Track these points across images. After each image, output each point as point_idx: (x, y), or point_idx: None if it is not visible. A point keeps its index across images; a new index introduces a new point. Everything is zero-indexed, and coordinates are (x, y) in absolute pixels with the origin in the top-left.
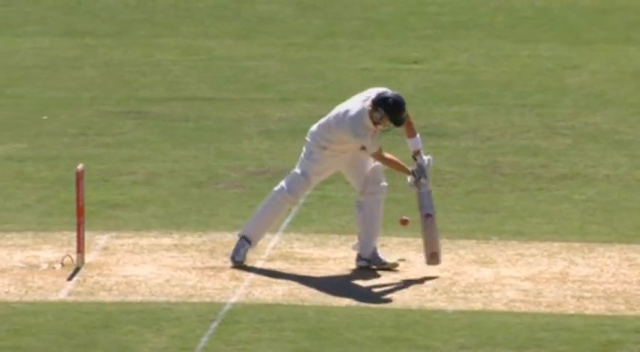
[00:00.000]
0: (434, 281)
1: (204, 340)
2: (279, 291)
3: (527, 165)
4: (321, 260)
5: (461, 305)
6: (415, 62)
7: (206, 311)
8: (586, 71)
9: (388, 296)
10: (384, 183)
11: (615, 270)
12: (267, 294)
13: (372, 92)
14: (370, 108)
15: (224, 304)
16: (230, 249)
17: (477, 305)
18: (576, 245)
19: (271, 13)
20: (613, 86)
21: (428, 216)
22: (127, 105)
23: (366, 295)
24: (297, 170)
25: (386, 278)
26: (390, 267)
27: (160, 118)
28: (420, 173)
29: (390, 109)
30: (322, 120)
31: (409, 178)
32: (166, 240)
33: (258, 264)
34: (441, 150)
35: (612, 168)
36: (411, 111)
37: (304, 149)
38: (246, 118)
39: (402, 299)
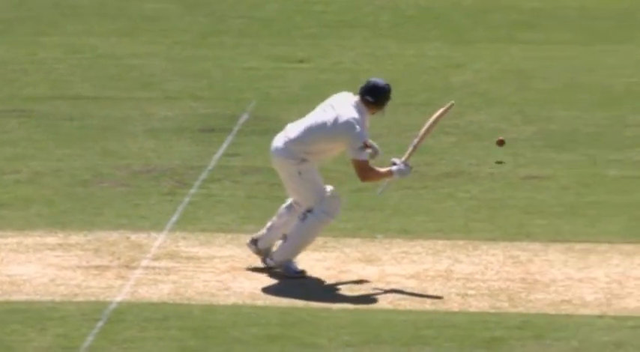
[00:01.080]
0: (320, 279)
1: (89, 339)
2: (164, 290)
3: (412, 163)
4: (207, 258)
5: (346, 303)
6: (301, 61)
7: (91, 310)
8: (470, 70)
9: (274, 294)
10: (339, 213)
11: (499, 268)
12: (153, 293)
13: (344, 97)
14: (360, 100)
15: (109, 303)
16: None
17: (363, 303)
18: (460, 243)
19: (156, 11)
20: (496, 85)
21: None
22: (11, 104)
23: (252, 293)
24: (310, 196)
25: (273, 276)
26: (302, 275)
27: (44, 117)
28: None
29: (378, 93)
30: (293, 136)
31: (397, 166)
32: (51, 239)
33: (144, 263)
34: None
35: (496, 166)
36: (296, 110)
37: (284, 173)
38: (132, 117)
39: (288, 297)
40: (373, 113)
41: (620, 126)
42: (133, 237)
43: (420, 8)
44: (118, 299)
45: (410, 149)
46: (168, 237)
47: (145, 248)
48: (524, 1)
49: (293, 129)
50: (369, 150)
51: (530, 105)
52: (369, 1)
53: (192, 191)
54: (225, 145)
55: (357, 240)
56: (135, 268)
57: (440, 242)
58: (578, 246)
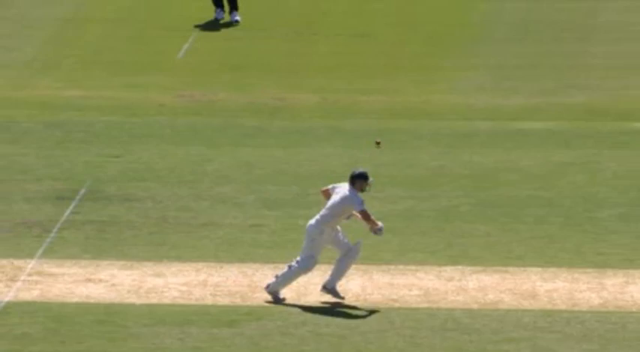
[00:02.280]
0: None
1: None
2: (35, 293)
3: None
4: (61, 275)
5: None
6: (117, 156)
7: None
8: None
9: (104, 295)
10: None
11: None
12: (28, 295)
13: (343, 186)
14: (353, 186)
15: (1, 302)
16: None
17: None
18: None
19: None
20: None
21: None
22: None
23: (89, 295)
24: (307, 252)
25: (103, 287)
26: (340, 300)
27: None
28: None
29: (361, 176)
30: (319, 218)
31: (379, 228)
32: None
33: (22, 278)
34: None
35: None
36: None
37: (307, 238)
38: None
39: (113, 295)
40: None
41: None
42: (15, 262)
43: None
44: (6, 299)
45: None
46: (37, 262)
47: (23, 269)
48: None
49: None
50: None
51: None
52: None
53: (52, 235)
54: (71, 207)
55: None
56: (17, 281)
57: None
58: None
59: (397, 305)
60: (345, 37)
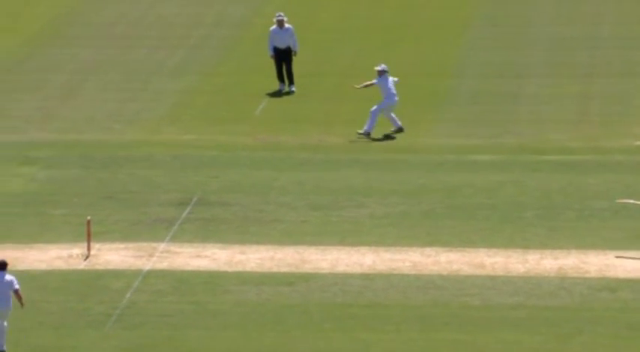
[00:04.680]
0: None
1: None
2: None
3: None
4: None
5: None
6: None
7: None
8: None
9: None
10: None
11: None
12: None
13: None
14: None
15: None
16: None
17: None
18: None
19: None
20: None
21: None
22: None
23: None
24: None
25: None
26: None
27: None
28: None
29: None
30: None
31: None
32: None
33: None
34: None
35: None
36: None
37: None
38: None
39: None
40: None
41: None
42: (152, 244)
43: None
44: (147, 268)
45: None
46: (166, 245)
47: (157, 248)
48: None
49: None
50: None
51: None
52: None
53: (175, 227)
54: (187, 210)
55: None
56: (153, 256)
57: None
58: None
59: (395, 272)
60: (359, 100)
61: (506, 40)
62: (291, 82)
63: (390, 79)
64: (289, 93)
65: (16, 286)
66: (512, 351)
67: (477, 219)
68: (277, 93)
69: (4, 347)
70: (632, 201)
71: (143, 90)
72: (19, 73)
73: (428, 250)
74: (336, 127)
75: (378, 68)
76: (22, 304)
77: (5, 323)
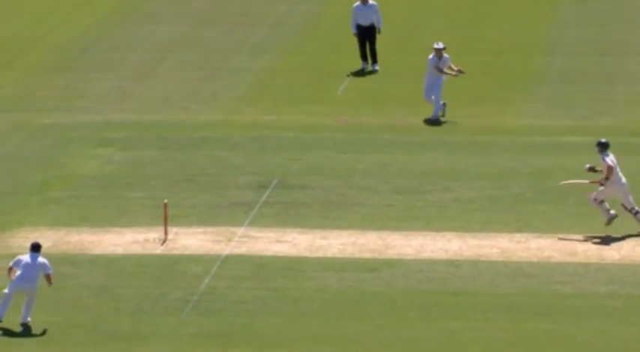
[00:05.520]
0: None
1: None
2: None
3: None
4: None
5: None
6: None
7: None
8: None
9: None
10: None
11: None
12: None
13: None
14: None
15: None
16: None
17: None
18: None
19: None
20: None
21: None
22: None
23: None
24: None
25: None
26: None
27: None
28: None
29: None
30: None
31: None
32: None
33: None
34: None
35: None
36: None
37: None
38: None
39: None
40: None
41: None
42: (231, 229)
43: None
44: (225, 253)
45: None
46: (245, 229)
47: (236, 233)
48: None
49: None
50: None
51: None
52: None
53: (254, 211)
54: (267, 193)
55: None
56: (232, 241)
57: None
58: None
59: (483, 259)
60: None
61: (599, 17)
62: (374, 61)
63: (446, 56)
64: (372, 72)
65: (49, 271)
66: (605, 342)
67: (569, 203)
68: (360, 73)
69: (28, 319)
70: (575, 181)
71: (222, 69)
72: (95, 52)
73: (517, 236)
74: (421, 108)
75: (437, 46)
76: (50, 283)
77: (30, 299)
